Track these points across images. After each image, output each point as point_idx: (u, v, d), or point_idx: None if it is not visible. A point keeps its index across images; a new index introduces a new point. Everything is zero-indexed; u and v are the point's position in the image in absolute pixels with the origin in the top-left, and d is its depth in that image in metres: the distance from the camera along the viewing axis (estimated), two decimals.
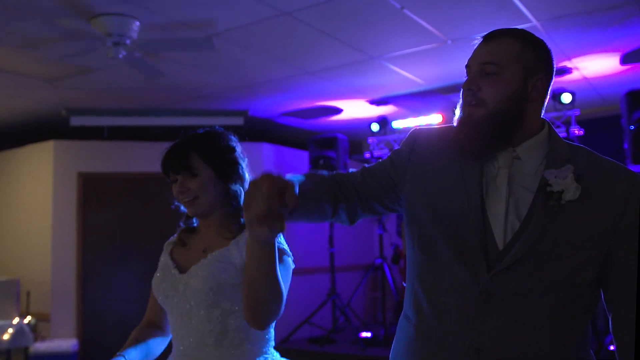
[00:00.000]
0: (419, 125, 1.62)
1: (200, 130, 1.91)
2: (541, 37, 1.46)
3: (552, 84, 1.47)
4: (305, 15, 3.80)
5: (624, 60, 5.04)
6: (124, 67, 4.71)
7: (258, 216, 1.20)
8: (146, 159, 6.40)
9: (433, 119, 6.44)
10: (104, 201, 6.30)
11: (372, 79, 5.38)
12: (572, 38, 4.44)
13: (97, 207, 6.28)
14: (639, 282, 1.36)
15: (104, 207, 6.29)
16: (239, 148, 1.91)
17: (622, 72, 5.38)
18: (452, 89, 5.75)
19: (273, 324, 1.72)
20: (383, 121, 6.77)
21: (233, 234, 1.80)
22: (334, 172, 1.59)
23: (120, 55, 3.56)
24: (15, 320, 5.38)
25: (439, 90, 5.87)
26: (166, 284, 1.79)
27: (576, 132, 5.51)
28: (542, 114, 1.47)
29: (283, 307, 1.48)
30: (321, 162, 6.62)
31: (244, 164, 1.90)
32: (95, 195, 6.28)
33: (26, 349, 5.46)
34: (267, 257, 1.34)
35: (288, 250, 1.76)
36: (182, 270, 1.80)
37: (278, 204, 1.21)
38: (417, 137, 1.58)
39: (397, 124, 6.75)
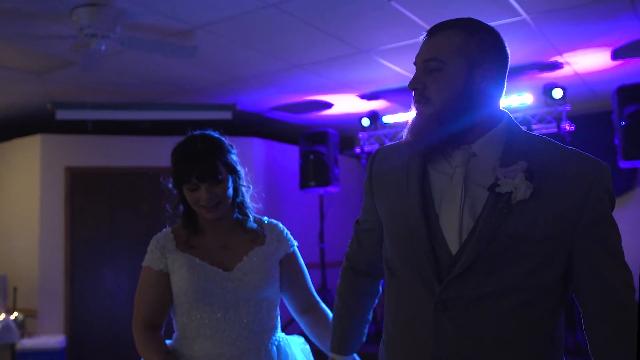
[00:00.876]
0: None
1: (206, 132, 1.99)
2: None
3: (506, 72, 1.40)
4: (291, 7, 3.75)
5: (615, 56, 5.00)
6: (109, 60, 4.66)
7: None
8: (134, 153, 6.35)
9: None
10: (92, 196, 6.24)
11: (362, 73, 5.33)
12: (563, 32, 4.39)
13: (85, 201, 6.22)
14: None
15: (91, 201, 6.23)
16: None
17: (613, 67, 5.34)
18: None
19: (278, 307, 2.04)
20: (374, 116, 6.73)
21: (254, 232, 2.02)
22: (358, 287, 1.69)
23: (103, 48, 3.49)
24: (2, 317, 5.32)
25: None
26: (210, 282, 1.88)
27: (567, 127, 5.48)
28: (499, 104, 1.41)
29: None
30: (311, 157, 6.57)
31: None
32: (83, 190, 6.21)
33: (13, 345, 5.39)
34: None
35: (294, 243, 2.09)
36: (225, 268, 1.92)
37: None
38: (374, 157, 1.58)
39: (388, 119, 6.70)
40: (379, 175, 1.54)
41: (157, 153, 6.24)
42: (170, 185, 1.99)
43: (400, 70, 5.25)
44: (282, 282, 2.05)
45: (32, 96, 5.61)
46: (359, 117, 6.84)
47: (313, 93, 6.08)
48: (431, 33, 1.39)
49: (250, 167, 6.54)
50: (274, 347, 1.98)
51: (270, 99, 6.28)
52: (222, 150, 1.92)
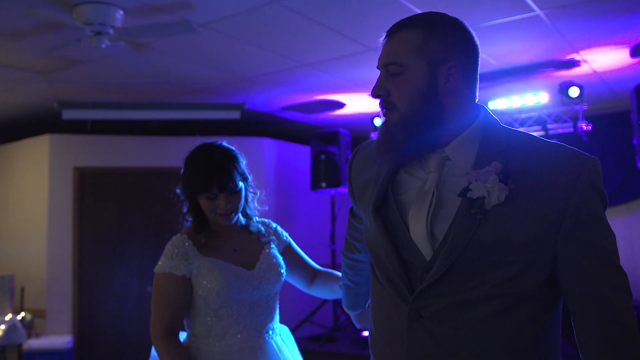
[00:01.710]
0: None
1: (218, 143, 2.10)
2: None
3: (477, 65, 1.29)
4: (295, 3, 3.65)
5: (634, 53, 4.83)
6: (116, 59, 4.60)
7: None
8: (143, 153, 6.31)
9: None
10: (101, 196, 6.21)
11: (372, 72, 5.19)
12: (578, 29, 4.24)
13: (94, 201, 6.19)
14: None
15: (100, 201, 6.20)
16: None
17: (632, 65, 5.16)
18: None
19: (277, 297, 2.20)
20: None
21: (258, 233, 2.18)
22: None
23: (104, 45, 3.43)
24: (8, 317, 5.30)
25: None
26: (240, 282, 2.02)
27: (584, 127, 5.32)
28: (472, 100, 1.30)
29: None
30: (323, 157, 6.49)
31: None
32: (92, 190, 6.19)
33: (19, 345, 5.37)
34: None
35: (286, 234, 2.29)
36: (247, 267, 2.07)
37: None
38: (352, 160, 1.51)
39: None
40: (356, 181, 1.48)
41: (165, 153, 6.20)
42: (178, 191, 2.14)
43: None
44: (288, 269, 2.26)
45: (39, 96, 5.58)
46: (371, 116, 6.73)
47: (324, 92, 5.98)
48: (390, 34, 1.30)
49: (260, 167, 6.41)
50: (280, 333, 2.19)
51: (280, 99, 6.20)
52: (237, 160, 2.05)
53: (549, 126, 5.48)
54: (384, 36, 1.32)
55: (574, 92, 5.33)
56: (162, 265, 2.02)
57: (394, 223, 1.30)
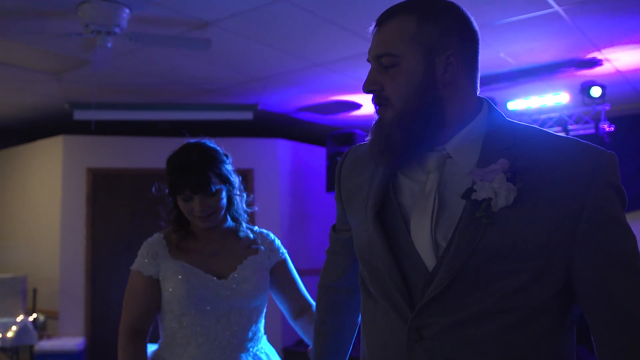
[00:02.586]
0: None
1: (201, 142, 1.99)
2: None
3: (477, 54, 1.17)
4: (304, 1, 3.56)
5: None
6: (127, 60, 4.56)
7: None
8: (156, 154, 6.24)
9: None
10: (114, 197, 6.18)
11: None
12: (600, 25, 4.08)
13: (107, 202, 6.16)
14: None
15: (113, 202, 6.17)
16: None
17: None
18: None
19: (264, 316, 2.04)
20: None
21: (247, 240, 2.04)
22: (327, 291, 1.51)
23: (109, 44, 3.37)
24: (20, 318, 5.28)
25: None
26: (204, 290, 1.88)
27: (606, 128, 5.14)
28: (474, 92, 1.18)
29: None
30: (338, 158, 6.38)
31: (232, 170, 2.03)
32: (105, 191, 6.16)
33: (31, 347, 5.36)
34: None
35: (284, 252, 2.10)
36: (218, 276, 1.92)
37: None
38: (343, 162, 1.37)
39: None
40: (346, 185, 1.34)
41: None
42: (167, 192, 2.02)
43: None
44: (275, 289, 2.07)
45: (51, 97, 5.57)
46: None
47: (339, 93, 5.89)
48: (380, 22, 1.18)
49: (276, 168, 6.32)
50: (263, 355, 2.01)
51: (295, 99, 6.11)
52: (215, 162, 1.93)
53: (570, 127, 5.32)
54: (373, 25, 1.20)
55: (596, 92, 5.16)
56: (135, 262, 1.98)
57: (396, 231, 1.17)
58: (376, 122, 1.18)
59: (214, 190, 1.89)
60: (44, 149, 6.31)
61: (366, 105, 6.36)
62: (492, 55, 4.62)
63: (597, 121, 5.26)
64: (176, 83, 5.31)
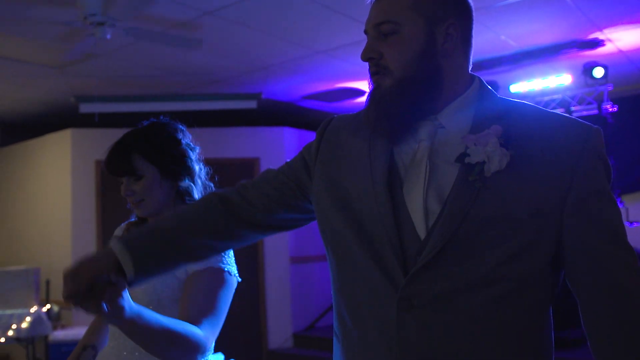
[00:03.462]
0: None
1: (145, 122, 1.81)
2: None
3: (472, 28, 1.20)
4: None
5: None
6: (130, 52, 4.61)
7: (71, 297, 1.16)
8: None
9: None
10: None
11: None
12: (601, 5, 4.09)
13: (116, 194, 6.14)
14: None
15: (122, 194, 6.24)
16: (186, 139, 1.81)
17: None
18: (477, 67, 5.45)
19: (211, 337, 1.56)
20: None
21: None
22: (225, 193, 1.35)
23: (108, 36, 3.42)
24: (34, 309, 5.38)
25: None
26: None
27: (609, 108, 5.15)
28: (467, 67, 1.21)
29: (203, 343, 1.47)
30: None
31: (194, 155, 1.81)
32: (114, 183, 6.15)
33: (46, 337, 5.46)
34: (129, 329, 1.32)
35: (231, 267, 1.66)
36: None
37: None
38: (327, 124, 1.35)
39: None
40: (331, 144, 1.31)
41: None
42: None
43: None
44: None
45: (57, 91, 5.63)
46: None
47: (343, 80, 5.92)
48: None
49: (281, 156, 6.36)
50: None
51: (299, 87, 6.15)
52: (147, 143, 1.72)
53: (573, 108, 5.34)
54: None
55: (598, 72, 5.17)
56: None
57: (395, 198, 1.17)
58: (373, 89, 1.19)
59: (139, 174, 1.71)
60: (52, 142, 6.39)
61: None
62: (494, 38, 4.64)
63: (600, 102, 5.26)
64: (179, 74, 5.36)
